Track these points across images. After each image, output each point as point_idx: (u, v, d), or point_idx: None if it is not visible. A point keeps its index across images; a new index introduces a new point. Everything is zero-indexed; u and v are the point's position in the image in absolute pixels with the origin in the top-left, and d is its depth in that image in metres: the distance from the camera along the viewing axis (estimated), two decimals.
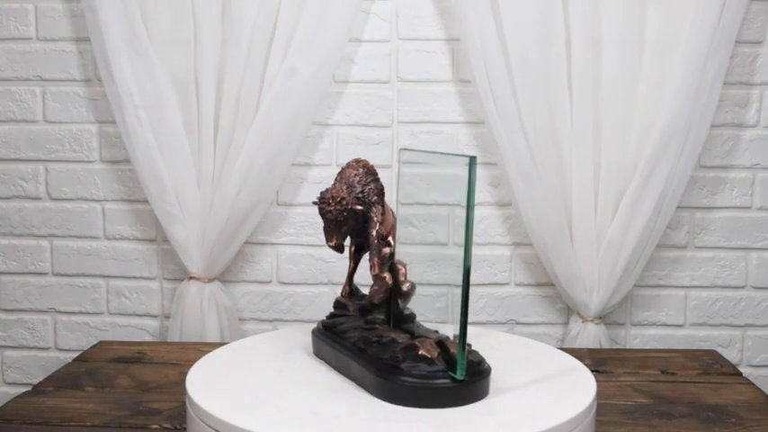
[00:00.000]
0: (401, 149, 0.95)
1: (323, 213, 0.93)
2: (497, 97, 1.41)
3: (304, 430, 0.78)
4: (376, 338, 0.89)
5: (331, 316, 1.00)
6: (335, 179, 0.96)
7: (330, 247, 0.94)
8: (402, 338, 0.89)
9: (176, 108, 1.47)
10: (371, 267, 0.93)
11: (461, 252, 0.80)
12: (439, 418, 0.80)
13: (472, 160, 0.78)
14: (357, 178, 0.95)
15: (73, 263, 1.61)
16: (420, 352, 0.84)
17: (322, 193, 0.93)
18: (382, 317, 0.95)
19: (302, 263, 1.58)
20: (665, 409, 1.08)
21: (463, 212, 0.79)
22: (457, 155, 0.81)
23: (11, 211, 1.61)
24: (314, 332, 1.00)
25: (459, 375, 0.82)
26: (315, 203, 0.94)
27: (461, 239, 0.80)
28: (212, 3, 1.43)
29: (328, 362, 0.96)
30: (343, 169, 0.96)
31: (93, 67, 1.56)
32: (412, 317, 0.94)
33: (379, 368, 0.85)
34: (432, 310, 1.05)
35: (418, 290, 0.92)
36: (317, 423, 0.79)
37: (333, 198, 0.92)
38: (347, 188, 0.94)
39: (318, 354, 0.98)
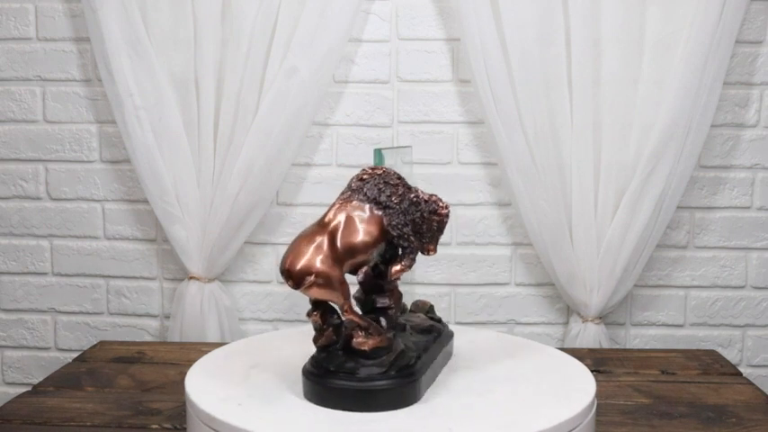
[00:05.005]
0: (375, 149, 0.92)
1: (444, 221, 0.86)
2: (497, 97, 1.41)
3: (304, 430, 0.78)
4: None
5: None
6: (392, 186, 0.83)
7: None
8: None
9: (176, 108, 1.47)
10: (396, 277, 0.86)
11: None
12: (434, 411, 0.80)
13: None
14: None
15: (73, 263, 1.61)
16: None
17: (432, 199, 0.84)
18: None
19: None
20: (665, 409, 1.08)
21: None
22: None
23: (11, 211, 1.61)
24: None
25: None
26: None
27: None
28: (212, 3, 1.43)
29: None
30: (393, 176, 0.84)
31: (93, 67, 1.55)
32: None
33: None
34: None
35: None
36: (318, 423, 0.79)
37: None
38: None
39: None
